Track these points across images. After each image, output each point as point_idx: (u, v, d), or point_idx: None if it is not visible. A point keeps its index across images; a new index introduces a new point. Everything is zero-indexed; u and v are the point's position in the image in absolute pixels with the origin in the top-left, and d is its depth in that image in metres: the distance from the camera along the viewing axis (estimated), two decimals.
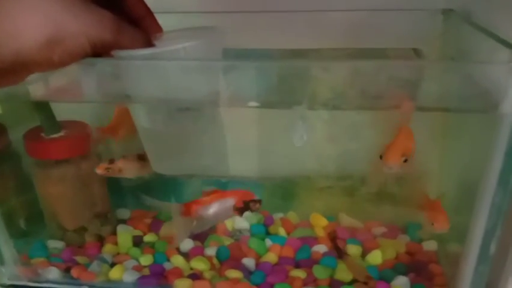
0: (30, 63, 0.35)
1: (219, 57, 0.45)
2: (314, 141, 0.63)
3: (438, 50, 0.58)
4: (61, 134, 0.60)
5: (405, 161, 0.47)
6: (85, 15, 0.35)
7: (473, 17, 0.54)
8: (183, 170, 0.55)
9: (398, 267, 0.58)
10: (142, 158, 0.56)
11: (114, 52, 0.40)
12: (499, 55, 0.41)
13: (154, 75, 0.43)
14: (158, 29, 0.44)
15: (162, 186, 0.70)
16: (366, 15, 0.60)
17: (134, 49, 0.39)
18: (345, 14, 0.60)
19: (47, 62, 0.35)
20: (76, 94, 0.50)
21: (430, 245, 0.61)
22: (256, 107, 0.44)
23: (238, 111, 0.63)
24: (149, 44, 0.42)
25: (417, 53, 0.59)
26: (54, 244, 0.64)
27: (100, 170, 0.55)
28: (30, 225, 0.66)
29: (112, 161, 0.56)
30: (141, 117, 0.52)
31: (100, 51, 0.37)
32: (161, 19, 0.46)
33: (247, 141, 0.68)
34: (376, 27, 0.60)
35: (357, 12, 0.60)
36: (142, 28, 0.44)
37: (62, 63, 0.36)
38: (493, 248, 0.44)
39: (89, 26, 0.35)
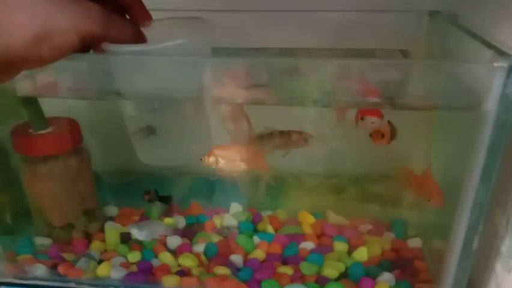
0: (19, 61, 0.35)
1: (209, 53, 0.45)
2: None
3: (424, 50, 0.60)
4: (49, 130, 0.60)
5: None
6: (72, 9, 0.35)
7: (458, 18, 0.56)
8: (169, 160, 0.55)
9: (384, 264, 0.59)
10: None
11: (104, 46, 0.40)
12: (483, 56, 0.42)
13: (142, 70, 0.43)
14: (148, 16, 0.44)
15: (151, 183, 0.70)
16: (353, 16, 0.61)
17: (124, 41, 0.39)
18: (333, 14, 0.61)
19: (36, 58, 0.35)
20: (63, 90, 0.51)
21: (415, 242, 0.62)
22: (245, 103, 0.45)
23: (227, 108, 0.63)
24: (138, 34, 0.42)
25: (404, 54, 0.60)
26: (42, 241, 0.64)
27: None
28: (17, 221, 0.65)
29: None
30: (128, 106, 0.53)
31: (89, 44, 0.37)
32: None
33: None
34: (363, 28, 0.61)
35: (345, 13, 0.61)
36: (130, 15, 0.43)
37: (52, 59, 0.36)
38: (475, 243, 0.45)
39: (77, 20, 0.35)
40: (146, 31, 0.43)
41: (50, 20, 0.34)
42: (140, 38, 0.42)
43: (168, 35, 0.42)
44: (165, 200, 0.67)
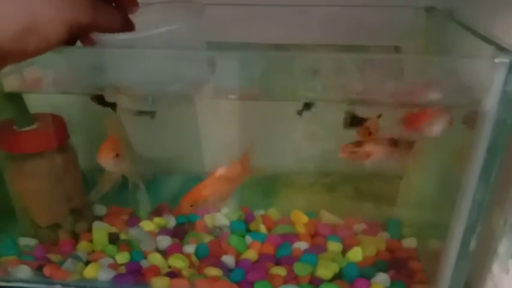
0: (4, 55, 0.33)
1: (202, 37, 0.44)
2: (295, 138, 0.63)
3: (422, 47, 0.59)
4: (34, 126, 0.58)
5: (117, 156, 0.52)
6: None
7: (455, 14, 0.55)
8: (161, 152, 0.54)
9: (379, 264, 0.58)
10: (394, 143, 0.48)
11: (95, 36, 0.39)
12: (482, 52, 0.41)
13: (135, 62, 0.41)
14: (134, 2, 0.43)
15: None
16: (349, 12, 0.60)
17: (113, 29, 0.38)
18: (328, 9, 0.60)
19: (22, 52, 0.34)
20: (52, 84, 0.49)
21: (410, 242, 0.61)
22: (238, 99, 0.44)
23: (219, 106, 0.62)
24: (127, 22, 0.40)
25: (398, 51, 0.59)
26: (26, 241, 0.62)
27: (344, 154, 0.48)
28: (1, 221, 0.63)
29: (359, 144, 0.48)
30: (124, 99, 0.52)
31: (77, 34, 0.36)
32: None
33: (228, 136, 0.67)
34: (359, 24, 0.59)
35: (341, 8, 0.60)
36: (116, 2, 0.42)
37: (38, 52, 0.35)
38: (473, 244, 0.44)
39: (64, 10, 0.33)
40: (134, 18, 0.41)
41: (36, 12, 0.32)
42: (128, 26, 0.40)
43: (157, 20, 0.41)
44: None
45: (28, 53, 0.34)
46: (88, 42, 0.41)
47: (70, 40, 0.36)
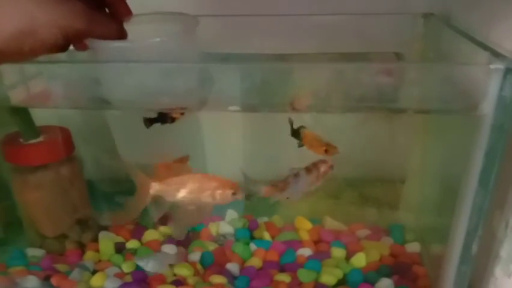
0: (0, 55, 0.35)
1: (196, 47, 0.45)
2: (297, 144, 0.64)
3: (419, 53, 0.59)
4: (40, 139, 0.59)
5: None
6: (56, 5, 0.35)
7: (452, 20, 0.55)
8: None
9: (382, 270, 0.58)
10: None
11: (89, 42, 0.40)
12: (478, 57, 0.42)
13: (132, 76, 0.42)
14: (128, 11, 0.44)
15: None
16: (347, 20, 0.60)
17: (107, 37, 0.39)
18: (327, 18, 0.60)
19: (18, 53, 0.35)
20: (54, 99, 0.50)
21: (413, 247, 0.62)
22: (238, 111, 0.44)
23: (222, 114, 0.63)
24: (122, 31, 0.42)
25: (398, 57, 0.59)
26: (34, 252, 0.63)
27: None
28: (8, 232, 0.64)
29: None
30: None
31: (73, 41, 0.37)
32: None
33: (231, 143, 0.68)
34: (357, 32, 0.60)
35: (339, 17, 0.60)
36: (112, 11, 0.44)
37: (34, 54, 0.36)
38: (474, 248, 0.44)
39: (61, 16, 0.35)
40: (127, 26, 0.42)
41: (34, 15, 0.34)
42: (122, 34, 0.42)
43: (150, 30, 0.42)
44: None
45: (24, 54, 0.36)
46: (81, 47, 0.42)
47: (65, 46, 0.37)
